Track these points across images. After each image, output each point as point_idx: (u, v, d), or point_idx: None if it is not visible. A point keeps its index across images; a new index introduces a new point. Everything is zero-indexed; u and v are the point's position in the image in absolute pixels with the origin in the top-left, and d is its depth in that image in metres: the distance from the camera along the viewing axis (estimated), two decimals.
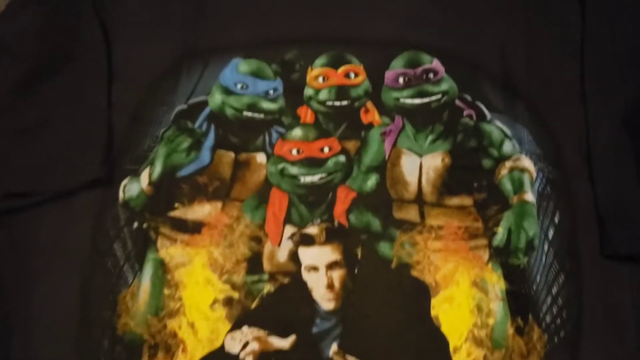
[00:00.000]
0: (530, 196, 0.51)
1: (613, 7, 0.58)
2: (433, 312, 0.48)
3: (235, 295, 0.49)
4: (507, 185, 0.52)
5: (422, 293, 0.49)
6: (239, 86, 0.55)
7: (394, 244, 0.50)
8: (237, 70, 0.56)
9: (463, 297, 0.49)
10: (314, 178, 0.52)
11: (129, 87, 0.55)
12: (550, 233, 0.51)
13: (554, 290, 0.49)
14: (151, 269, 0.50)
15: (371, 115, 0.55)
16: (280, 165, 0.52)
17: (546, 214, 0.52)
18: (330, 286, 0.48)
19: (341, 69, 0.56)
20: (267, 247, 0.50)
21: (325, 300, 0.48)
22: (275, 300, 0.49)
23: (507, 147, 0.53)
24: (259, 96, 0.55)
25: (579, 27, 0.57)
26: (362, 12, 0.58)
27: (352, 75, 0.56)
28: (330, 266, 0.49)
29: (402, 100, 0.55)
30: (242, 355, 0.46)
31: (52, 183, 0.52)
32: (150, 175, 0.52)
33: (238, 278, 0.49)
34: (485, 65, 0.56)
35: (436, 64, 0.56)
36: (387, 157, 0.53)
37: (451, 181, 0.52)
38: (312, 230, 0.50)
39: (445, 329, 0.48)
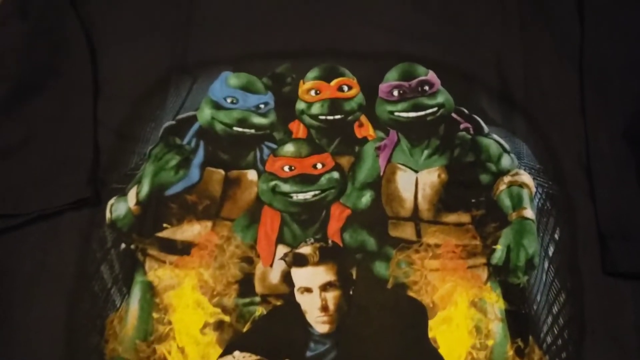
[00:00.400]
0: (529, 212, 0.50)
1: (612, 17, 0.56)
2: (431, 334, 0.47)
3: (227, 318, 0.47)
4: (506, 201, 0.50)
5: (419, 314, 0.47)
6: (228, 100, 0.54)
7: (390, 264, 0.48)
8: (227, 84, 0.54)
9: (461, 317, 0.47)
10: (307, 195, 0.50)
11: (116, 103, 0.54)
12: (551, 250, 0.49)
13: (555, 309, 0.48)
14: (139, 292, 0.48)
15: (365, 129, 0.53)
16: (272, 183, 0.51)
17: (546, 231, 0.50)
18: (324, 308, 0.47)
19: (334, 82, 0.54)
20: (259, 268, 0.48)
21: (319, 323, 0.47)
22: (268, 323, 0.47)
23: (506, 161, 0.52)
24: (250, 111, 0.54)
25: (577, 38, 0.56)
26: (355, 23, 0.56)
27: (346, 88, 0.54)
28: (325, 287, 0.47)
29: (396, 113, 0.54)
30: None
31: (37, 203, 0.50)
32: (137, 194, 0.51)
33: (229, 301, 0.47)
34: (482, 77, 0.55)
35: (432, 76, 0.55)
36: (382, 173, 0.52)
37: (448, 197, 0.51)
38: (305, 250, 0.48)
39: (443, 350, 0.46)
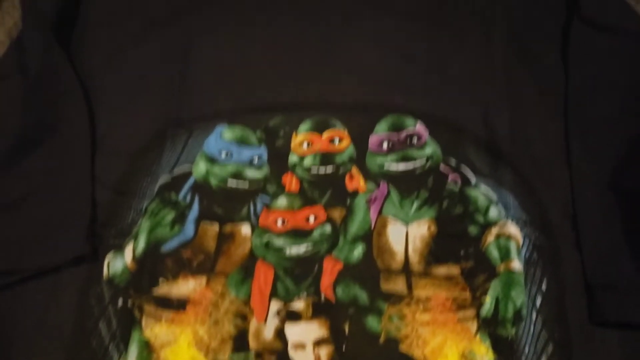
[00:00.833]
0: (517, 264, 0.51)
1: (596, 67, 0.58)
2: None
3: None
4: (494, 253, 0.52)
5: None
6: (223, 154, 0.55)
7: (382, 318, 0.49)
8: (222, 138, 0.56)
9: None
10: (300, 250, 0.51)
11: (113, 159, 0.55)
12: (538, 301, 0.50)
13: None
14: (136, 349, 0.49)
15: (356, 181, 0.55)
16: (266, 238, 0.52)
17: (534, 282, 0.51)
18: None
19: (325, 134, 0.56)
20: (253, 324, 0.49)
21: None
22: None
23: (493, 213, 0.53)
24: (244, 164, 0.55)
25: (562, 88, 0.57)
26: (346, 76, 0.58)
27: (337, 140, 0.56)
28: (318, 343, 0.48)
29: (386, 165, 0.55)
30: None
31: (36, 260, 0.51)
32: (134, 250, 0.52)
33: (224, 357, 0.48)
34: (469, 128, 0.56)
35: (419, 127, 0.56)
36: (373, 226, 0.53)
37: (438, 250, 0.52)
38: (299, 305, 0.49)
39: None
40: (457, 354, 0.49)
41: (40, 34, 0.57)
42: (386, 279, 0.51)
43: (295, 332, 0.49)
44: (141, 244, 0.52)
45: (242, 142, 0.55)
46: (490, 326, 0.49)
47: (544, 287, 0.51)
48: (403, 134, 0.55)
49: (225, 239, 0.52)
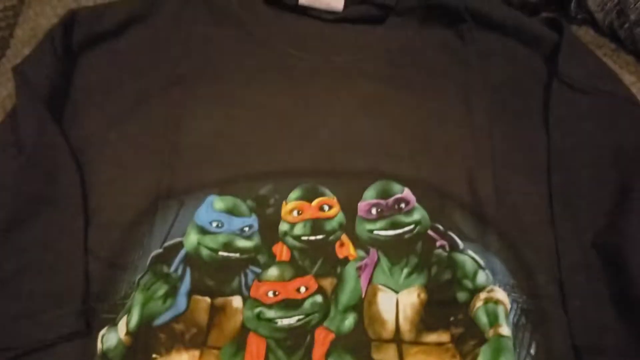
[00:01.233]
0: (505, 329, 0.52)
1: (576, 127, 0.60)
2: None
3: None
4: (483, 318, 0.52)
5: None
6: (214, 224, 0.56)
7: None
8: (213, 208, 0.57)
9: None
10: (291, 321, 0.52)
11: (106, 231, 0.56)
12: None
13: None
14: None
15: (346, 249, 0.56)
16: (257, 310, 0.52)
17: (522, 345, 0.52)
18: None
19: (315, 202, 0.57)
20: None
21: None
22: None
23: (481, 278, 0.54)
24: (235, 234, 0.56)
25: (544, 151, 0.59)
26: (334, 144, 0.59)
27: (326, 207, 0.57)
28: None
29: (375, 232, 0.56)
30: None
31: (29, 336, 0.51)
32: (127, 324, 0.52)
33: None
34: (454, 193, 0.57)
35: (407, 193, 0.57)
36: (363, 295, 0.54)
37: (428, 317, 0.53)
38: None
39: None
40: None
41: (34, 108, 0.58)
42: (377, 349, 0.52)
43: None
44: (134, 318, 0.52)
45: (232, 212, 0.56)
46: None
47: (532, 350, 0.52)
48: (391, 200, 0.57)
49: (217, 311, 0.53)
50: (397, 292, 0.54)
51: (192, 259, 0.55)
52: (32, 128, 0.57)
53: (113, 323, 0.52)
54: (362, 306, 0.53)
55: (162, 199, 0.57)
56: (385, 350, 0.52)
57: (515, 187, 0.58)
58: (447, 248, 0.55)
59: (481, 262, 0.55)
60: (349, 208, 0.57)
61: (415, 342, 0.52)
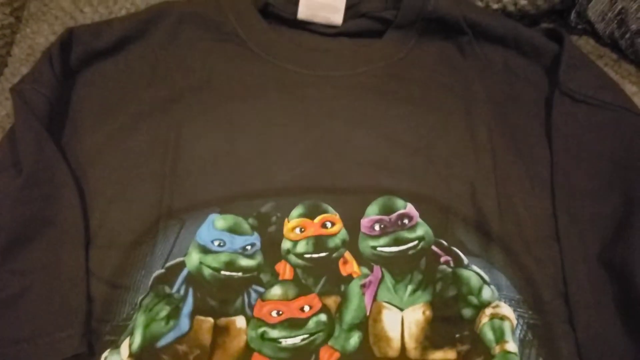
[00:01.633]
0: (511, 346, 0.51)
1: (579, 140, 0.59)
2: None
3: None
4: (489, 335, 0.52)
5: None
6: (216, 243, 0.55)
7: None
8: (214, 227, 0.56)
9: None
10: (296, 340, 0.52)
11: (107, 252, 0.55)
12: None
13: None
14: None
15: (350, 266, 0.55)
16: (261, 330, 0.52)
17: None
18: None
19: (318, 219, 0.56)
20: None
21: None
22: None
23: (486, 293, 0.54)
24: (237, 253, 0.55)
25: (547, 163, 0.59)
26: (334, 160, 0.59)
27: (329, 224, 0.56)
28: None
29: (379, 248, 0.55)
30: None
31: (32, 359, 0.51)
32: (130, 346, 0.51)
33: None
34: (457, 208, 0.57)
35: (410, 208, 0.57)
36: (368, 313, 0.53)
37: (434, 334, 0.52)
38: None
39: None
40: None
41: (33, 128, 0.57)
42: None
43: None
44: (137, 339, 0.52)
45: (234, 230, 0.56)
46: None
47: None
48: (394, 216, 0.56)
49: (220, 332, 0.52)
50: (402, 309, 0.53)
51: (194, 279, 0.54)
52: (31, 148, 0.57)
53: (115, 345, 0.52)
54: (367, 324, 0.53)
55: (163, 218, 0.56)
56: None
57: (519, 201, 0.58)
58: (452, 264, 0.55)
59: (486, 277, 0.54)
60: (352, 224, 0.56)
61: None
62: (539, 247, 0.56)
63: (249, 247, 0.55)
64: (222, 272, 0.54)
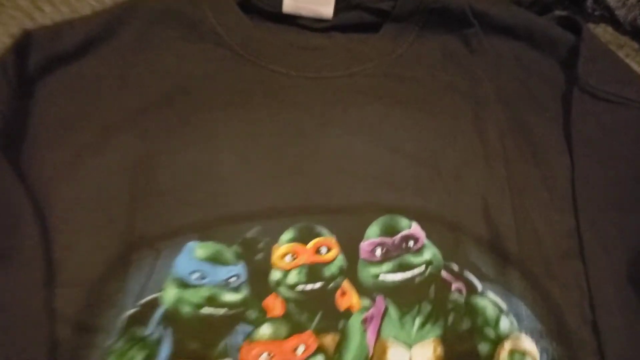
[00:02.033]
0: None
1: (602, 143, 0.53)
2: None
3: None
4: None
5: None
6: (195, 276, 0.49)
7: None
8: (193, 256, 0.49)
9: None
10: None
11: (72, 289, 0.48)
12: None
13: None
14: None
15: (348, 298, 0.49)
16: None
17: None
18: None
19: (311, 244, 0.50)
20: None
21: None
22: None
23: (505, 324, 0.47)
24: (219, 286, 0.48)
25: (567, 171, 0.52)
26: (328, 174, 0.52)
27: (324, 250, 0.50)
28: None
29: (382, 276, 0.49)
30: None
31: None
32: None
33: None
34: (468, 226, 0.50)
35: (415, 228, 0.50)
36: (371, 353, 0.47)
37: None
38: None
39: None
40: None
41: None
42: None
43: None
44: None
45: (216, 260, 0.49)
46: None
47: None
48: (398, 238, 0.50)
49: None
50: (410, 345, 0.47)
51: (172, 318, 0.47)
52: None
53: None
54: None
55: (135, 248, 0.49)
56: None
57: (537, 216, 0.51)
58: (464, 291, 0.48)
59: (503, 306, 0.48)
60: (350, 249, 0.50)
61: None
62: (561, 269, 0.49)
63: (233, 279, 0.49)
64: (204, 309, 0.48)
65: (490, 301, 0.48)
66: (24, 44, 0.55)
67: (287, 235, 0.50)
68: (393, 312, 0.48)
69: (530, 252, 0.50)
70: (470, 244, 0.50)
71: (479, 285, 0.49)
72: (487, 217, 0.51)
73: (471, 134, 0.54)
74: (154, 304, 0.48)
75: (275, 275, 0.49)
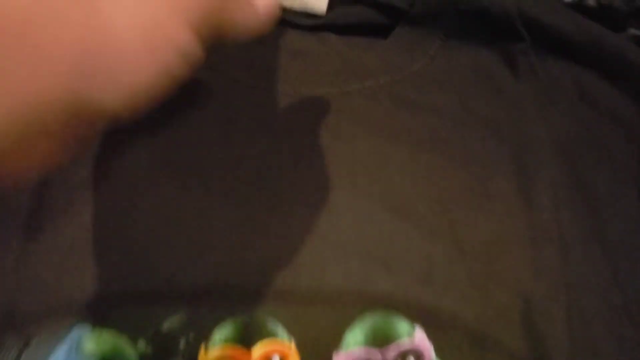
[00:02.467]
0: None
1: None
2: None
3: None
4: None
5: None
6: None
7: None
8: (79, 350, 0.32)
9: None
10: None
11: None
12: None
13: None
14: None
15: None
16: None
17: None
18: None
19: (258, 350, 0.32)
20: None
21: None
22: None
23: None
24: None
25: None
26: (299, 241, 0.35)
27: (277, 359, 0.33)
28: None
29: None
30: None
31: None
32: None
33: None
34: (500, 337, 0.33)
35: (419, 337, 0.33)
36: None
37: None
38: None
39: None
40: None
41: None
42: None
43: None
44: None
45: (113, 358, 0.32)
46: None
47: None
48: (391, 352, 0.32)
49: None
50: None
51: None
52: None
53: None
54: None
55: None
56: None
57: (601, 328, 0.34)
58: None
59: None
60: None
61: None
62: None
63: None
64: None
65: None
66: None
67: (222, 331, 0.33)
68: None
69: None
70: None
71: None
72: (528, 324, 0.33)
73: (512, 195, 0.37)
74: None
75: None
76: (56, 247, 0.34)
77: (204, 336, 0.33)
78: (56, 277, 0.33)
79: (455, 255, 0.35)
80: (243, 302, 0.33)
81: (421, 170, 0.37)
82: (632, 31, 0.47)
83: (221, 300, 0.33)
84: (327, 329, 0.33)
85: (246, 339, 0.33)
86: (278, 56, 0.42)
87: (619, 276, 0.35)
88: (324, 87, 0.40)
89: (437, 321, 0.33)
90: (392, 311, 0.33)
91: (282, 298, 0.33)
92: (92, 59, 0.19)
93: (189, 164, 0.37)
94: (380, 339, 0.33)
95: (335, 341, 0.33)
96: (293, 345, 0.32)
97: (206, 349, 0.32)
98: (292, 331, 0.33)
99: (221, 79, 0.40)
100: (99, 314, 0.33)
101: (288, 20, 0.43)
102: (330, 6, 0.43)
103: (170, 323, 0.33)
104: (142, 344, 0.32)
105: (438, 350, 0.33)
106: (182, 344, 0.33)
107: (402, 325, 0.33)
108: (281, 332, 0.33)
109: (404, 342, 0.33)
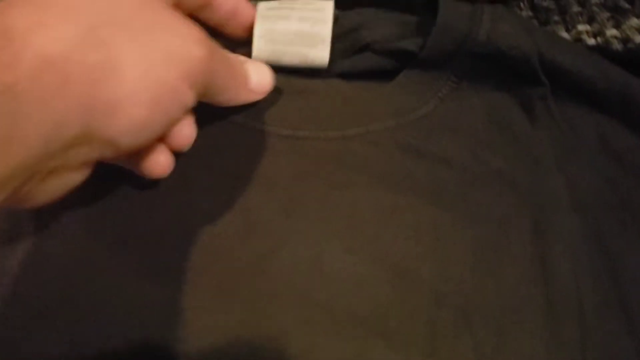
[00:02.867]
0: None
1: None
2: None
3: None
4: None
5: None
6: None
7: None
8: None
9: None
10: None
11: None
12: None
13: None
14: None
15: None
16: None
17: None
18: None
19: None
20: None
21: None
22: None
23: None
24: None
25: None
26: (284, 306, 0.31)
27: None
28: None
29: None
30: None
31: None
32: None
33: None
34: None
35: None
36: None
37: None
38: None
39: None
40: None
41: None
42: None
43: None
44: None
45: None
46: None
47: None
48: None
49: None
50: None
51: None
52: None
53: None
54: None
55: None
56: None
57: None
58: None
59: None
60: None
61: None
62: None
63: None
64: None
65: None
66: None
67: None
68: None
69: None
70: None
71: None
72: None
73: (526, 258, 0.33)
74: None
75: None
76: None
77: None
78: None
79: (463, 328, 0.31)
80: None
81: (426, 227, 0.34)
82: None
83: None
84: None
85: None
86: (276, 94, 0.38)
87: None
88: (323, 130, 0.37)
89: None
90: None
91: None
92: (105, 105, 0.25)
93: (169, 212, 0.33)
94: None
95: None
96: None
97: None
98: None
99: (209, 116, 0.37)
100: None
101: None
102: (334, 55, 0.39)
103: None
104: None
105: None
106: None
107: None
108: None
109: None
